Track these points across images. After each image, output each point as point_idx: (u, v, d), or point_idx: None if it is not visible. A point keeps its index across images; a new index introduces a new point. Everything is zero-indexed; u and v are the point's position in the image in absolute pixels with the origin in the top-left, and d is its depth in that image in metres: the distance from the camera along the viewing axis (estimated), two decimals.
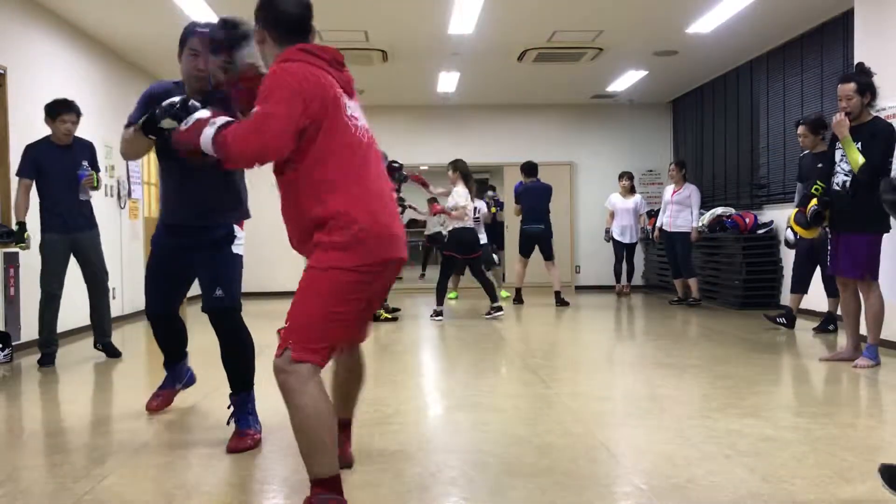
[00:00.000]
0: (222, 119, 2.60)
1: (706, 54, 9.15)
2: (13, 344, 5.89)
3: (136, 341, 7.37)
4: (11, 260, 6.20)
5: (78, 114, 5.66)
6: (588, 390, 4.63)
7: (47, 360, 5.63)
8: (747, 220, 8.91)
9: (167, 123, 3.04)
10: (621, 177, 10.56)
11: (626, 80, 10.51)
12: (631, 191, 10.47)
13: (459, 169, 8.39)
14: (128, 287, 8.72)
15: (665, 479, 2.86)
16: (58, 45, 7.28)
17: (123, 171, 8.70)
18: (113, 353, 5.98)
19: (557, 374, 5.11)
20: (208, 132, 2.55)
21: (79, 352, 6.30)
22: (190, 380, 4.31)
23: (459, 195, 8.14)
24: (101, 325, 6.01)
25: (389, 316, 7.95)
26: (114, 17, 7.39)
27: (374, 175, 2.59)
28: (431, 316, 8.05)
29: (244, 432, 3.39)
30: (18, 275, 6.28)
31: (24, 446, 3.51)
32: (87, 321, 6.72)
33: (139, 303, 9.05)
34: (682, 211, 9.28)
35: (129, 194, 8.84)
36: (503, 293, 9.76)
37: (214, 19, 5.39)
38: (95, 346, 6.03)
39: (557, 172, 12.22)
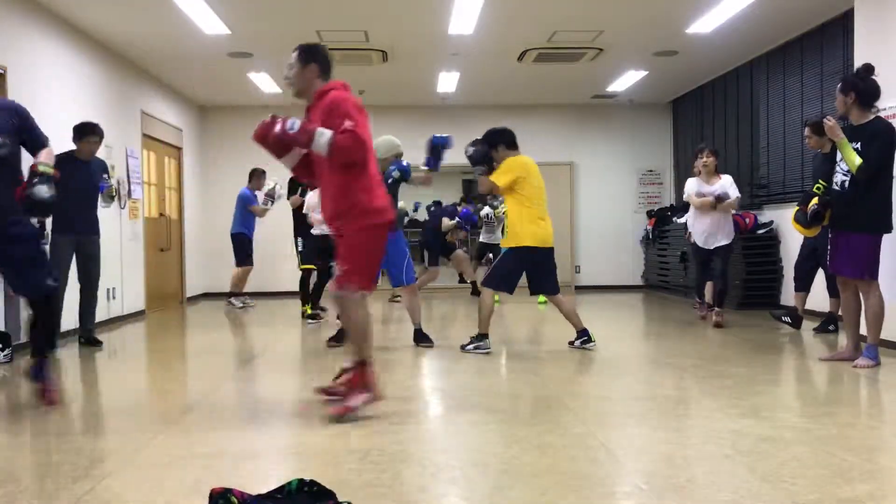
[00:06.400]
0: (326, 130, 3.63)
1: (706, 54, 9.15)
2: (13, 344, 5.90)
3: (135, 341, 7.38)
4: None
5: (101, 136, 6.42)
6: (588, 390, 4.63)
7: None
8: (747, 220, 8.90)
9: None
10: (699, 153, 7.53)
11: (626, 80, 10.51)
12: (716, 171, 7.47)
13: None
14: (128, 287, 8.73)
15: (665, 479, 2.86)
16: (58, 45, 7.28)
17: (124, 171, 8.71)
18: (94, 342, 6.53)
19: (557, 374, 5.11)
20: (322, 140, 3.61)
21: (76, 353, 6.30)
22: None
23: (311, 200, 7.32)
24: (84, 321, 6.57)
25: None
26: (114, 17, 7.39)
27: None
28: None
29: (48, 388, 4.24)
30: None
31: (25, 446, 3.51)
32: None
33: (139, 302, 9.10)
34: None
35: (129, 194, 8.85)
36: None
37: (214, 19, 5.38)
38: (79, 341, 6.55)
39: (557, 172, 12.23)
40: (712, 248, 7.34)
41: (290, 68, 3.95)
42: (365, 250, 3.80)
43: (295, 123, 3.65)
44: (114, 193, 6.72)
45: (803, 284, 6.82)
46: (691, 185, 7.50)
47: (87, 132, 6.34)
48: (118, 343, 6.97)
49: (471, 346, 5.87)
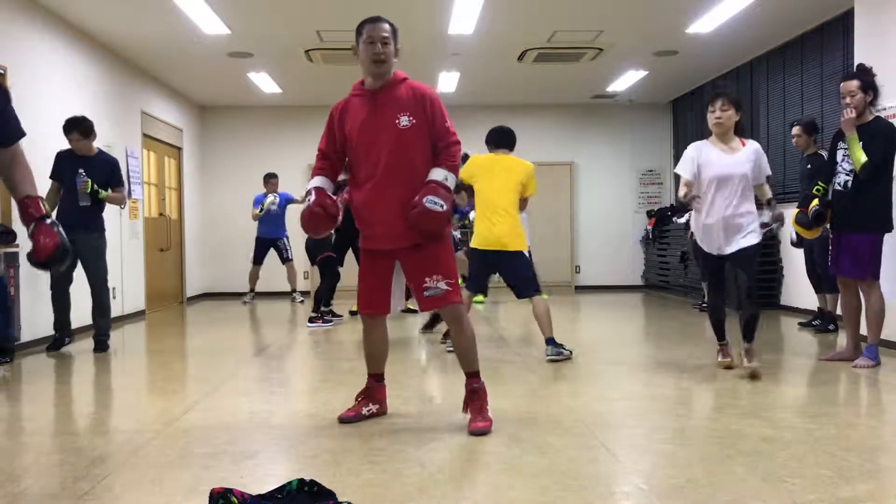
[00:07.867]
0: (440, 172, 3.46)
1: (706, 54, 9.15)
2: (13, 344, 5.90)
3: (135, 341, 7.38)
4: (11, 260, 6.21)
5: (81, 131, 6.19)
6: (588, 390, 4.63)
7: (52, 346, 6.29)
8: None
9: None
10: (715, 99, 4.75)
11: (626, 80, 10.51)
12: (739, 133, 4.83)
13: None
14: (128, 287, 8.73)
15: (665, 479, 2.86)
16: (58, 45, 7.28)
17: (123, 171, 8.69)
18: (99, 348, 6.30)
19: (557, 373, 5.11)
20: (450, 180, 3.46)
21: (78, 352, 6.30)
22: None
23: None
24: (95, 321, 6.44)
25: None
26: (114, 17, 7.39)
27: None
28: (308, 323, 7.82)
29: None
30: (18, 275, 6.28)
31: (24, 446, 3.51)
32: (86, 321, 6.75)
33: (139, 302, 9.09)
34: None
35: (129, 194, 8.84)
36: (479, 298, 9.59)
37: (214, 19, 5.37)
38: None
39: (557, 172, 12.23)
40: (726, 254, 4.91)
41: (384, 44, 3.48)
42: (453, 257, 3.68)
43: (435, 199, 3.39)
44: (88, 189, 6.11)
45: (819, 285, 6.79)
46: (695, 153, 4.79)
47: (67, 130, 6.20)
48: (118, 343, 6.96)
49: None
